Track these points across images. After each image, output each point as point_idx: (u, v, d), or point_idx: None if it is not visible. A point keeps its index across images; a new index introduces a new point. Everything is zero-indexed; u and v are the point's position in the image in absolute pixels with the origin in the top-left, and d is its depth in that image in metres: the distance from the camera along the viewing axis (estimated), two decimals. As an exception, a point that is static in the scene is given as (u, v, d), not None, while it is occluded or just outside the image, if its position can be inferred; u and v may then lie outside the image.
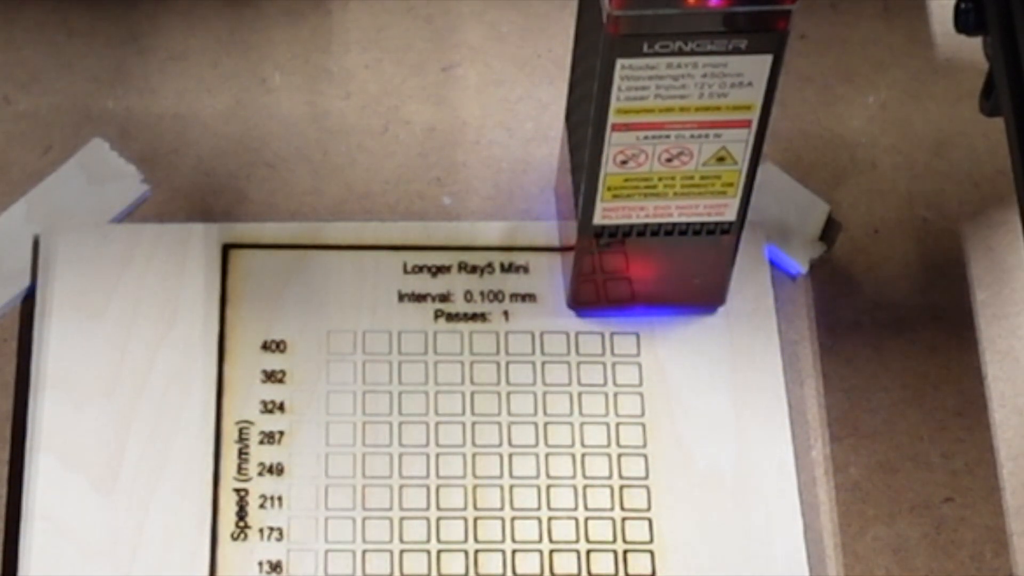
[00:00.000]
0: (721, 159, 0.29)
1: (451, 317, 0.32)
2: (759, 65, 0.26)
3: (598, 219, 0.30)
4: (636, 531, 0.29)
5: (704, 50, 0.26)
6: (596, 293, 0.33)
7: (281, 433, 0.29)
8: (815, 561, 0.30)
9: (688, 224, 0.31)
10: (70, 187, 0.33)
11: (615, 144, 0.28)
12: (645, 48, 0.26)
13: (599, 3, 0.26)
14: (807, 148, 0.37)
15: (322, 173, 0.35)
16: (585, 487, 0.29)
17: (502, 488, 0.29)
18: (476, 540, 0.30)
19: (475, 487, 0.29)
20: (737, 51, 0.26)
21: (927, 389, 0.34)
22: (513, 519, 0.30)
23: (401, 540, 0.29)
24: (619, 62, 0.26)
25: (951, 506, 0.31)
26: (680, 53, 0.26)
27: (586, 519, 0.29)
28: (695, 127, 0.28)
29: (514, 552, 0.29)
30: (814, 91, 0.38)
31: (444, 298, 0.32)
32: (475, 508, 0.29)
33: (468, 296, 0.32)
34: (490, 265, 0.33)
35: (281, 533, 0.29)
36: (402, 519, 0.29)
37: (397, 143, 0.36)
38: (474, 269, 0.33)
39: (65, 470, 0.30)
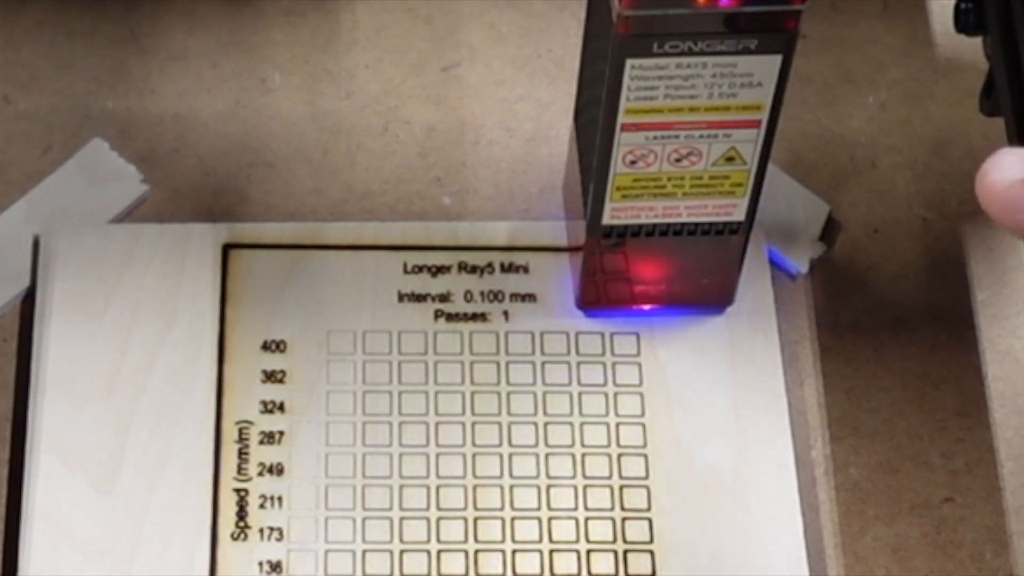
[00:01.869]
0: (730, 159, 0.29)
1: (451, 317, 0.32)
2: (769, 65, 0.26)
3: (607, 219, 0.31)
4: (636, 531, 0.29)
5: (714, 50, 0.27)
6: (604, 293, 0.33)
7: (281, 433, 0.30)
8: (815, 561, 0.30)
9: (697, 224, 0.31)
10: (70, 187, 0.34)
11: (624, 144, 0.29)
12: (655, 48, 0.26)
13: (609, 3, 0.26)
14: (807, 148, 0.37)
15: (322, 173, 0.36)
16: (585, 487, 0.29)
17: (502, 488, 0.29)
18: (476, 540, 0.30)
19: (475, 487, 0.29)
20: (747, 51, 0.26)
21: (927, 389, 0.34)
22: (513, 519, 0.30)
23: (401, 540, 0.29)
24: (629, 62, 0.26)
25: (951, 506, 0.31)
26: (690, 53, 0.27)
27: (586, 519, 0.29)
28: (704, 127, 0.28)
29: (514, 552, 0.29)
30: (814, 91, 0.38)
31: (444, 298, 0.32)
32: (475, 508, 0.29)
33: (468, 296, 0.33)
34: (490, 265, 0.33)
35: (281, 533, 0.29)
36: (402, 519, 0.29)
37: (397, 143, 0.36)
38: (474, 269, 0.33)
39: (65, 470, 0.30)
